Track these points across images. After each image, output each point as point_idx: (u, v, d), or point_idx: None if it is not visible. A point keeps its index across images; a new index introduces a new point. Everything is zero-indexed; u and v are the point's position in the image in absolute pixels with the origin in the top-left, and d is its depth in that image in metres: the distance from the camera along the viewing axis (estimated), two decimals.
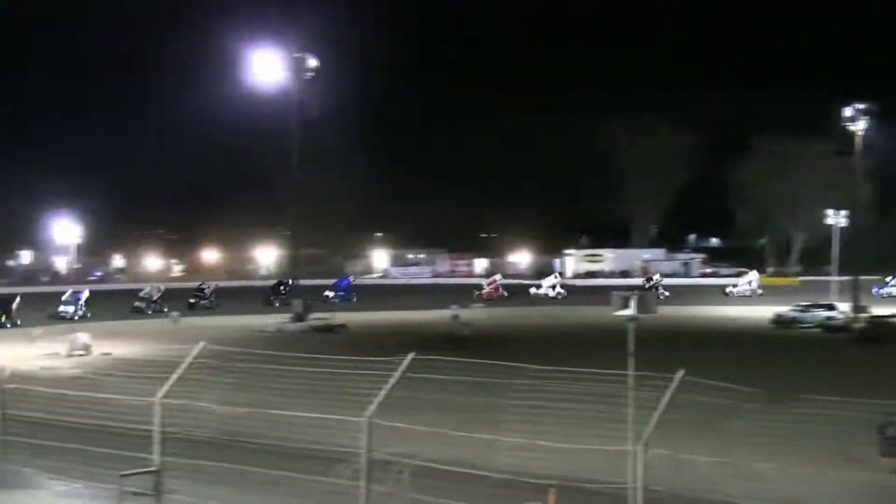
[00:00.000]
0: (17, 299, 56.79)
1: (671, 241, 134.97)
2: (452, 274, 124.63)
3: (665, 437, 14.11)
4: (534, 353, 29.59)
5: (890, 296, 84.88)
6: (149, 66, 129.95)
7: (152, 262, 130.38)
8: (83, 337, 43.41)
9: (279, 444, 17.90)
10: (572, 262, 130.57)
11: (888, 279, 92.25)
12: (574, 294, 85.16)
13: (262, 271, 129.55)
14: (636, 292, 15.81)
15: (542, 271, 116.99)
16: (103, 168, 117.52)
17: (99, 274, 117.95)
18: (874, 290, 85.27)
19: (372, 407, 15.52)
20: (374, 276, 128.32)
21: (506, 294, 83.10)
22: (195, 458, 17.58)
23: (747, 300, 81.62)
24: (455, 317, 56.33)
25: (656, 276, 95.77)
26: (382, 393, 15.64)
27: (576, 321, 60.64)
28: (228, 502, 16.99)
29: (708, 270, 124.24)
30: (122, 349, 42.56)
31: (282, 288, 76.96)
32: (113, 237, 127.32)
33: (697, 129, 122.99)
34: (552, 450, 14.81)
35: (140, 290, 74.27)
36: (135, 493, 17.52)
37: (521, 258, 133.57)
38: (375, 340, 45.77)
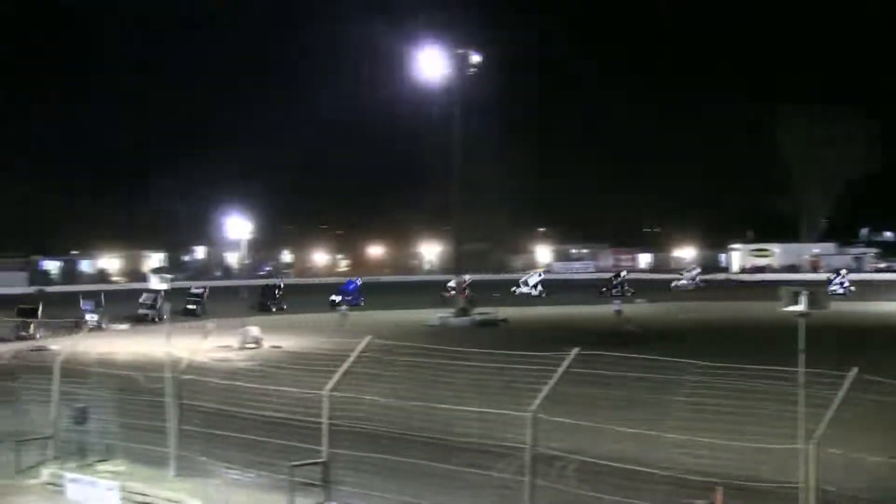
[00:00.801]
0: (40, 305, 55.97)
1: (842, 234, 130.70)
2: (616, 269, 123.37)
3: (838, 437, 13.75)
4: (699, 348, 29.14)
5: (835, 294, 72.72)
6: (316, 64, 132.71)
7: (319, 257, 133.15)
8: (254, 330, 44.54)
9: (443, 438, 18.05)
10: (738, 256, 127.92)
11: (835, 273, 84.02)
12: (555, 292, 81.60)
13: (426, 266, 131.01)
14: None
15: (708, 265, 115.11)
16: (274, 164, 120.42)
17: (268, 269, 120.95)
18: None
19: (536, 401, 15.54)
20: (538, 271, 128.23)
21: (475, 297, 70.25)
22: (362, 450, 17.91)
23: None
24: (618, 312, 56.00)
25: (623, 273, 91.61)
26: (547, 388, 15.64)
27: (744, 316, 59.32)
28: (394, 494, 17.21)
29: (881, 265, 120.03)
30: (290, 342, 43.55)
31: (276, 291, 71.80)
32: (282, 233, 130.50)
33: (871, 117, 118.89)
34: (719, 447, 14.58)
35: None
36: (304, 484, 17.96)
37: (686, 252, 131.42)
38: (539, 335, 45.71)
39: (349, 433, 18.39)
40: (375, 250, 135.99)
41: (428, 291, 77.23)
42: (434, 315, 58.65)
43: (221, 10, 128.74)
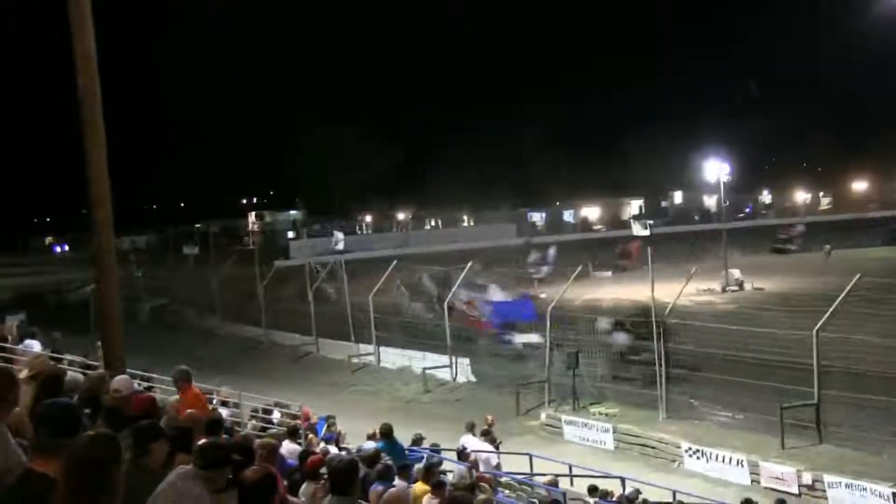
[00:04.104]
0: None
1: None
2: None
3: None
4: None
5: None
6: None
7: (799, 195, 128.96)
8: (736, 273, 44.15)
9: None
10: None
11: None
12: None
13: None
14: None
15: None
16: (750, 102, 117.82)
17: (748, 210, 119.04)
18: None
19: None
20: None
21: None
22: (852, 391, 17.43)
23: None
24: None
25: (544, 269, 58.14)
26: None
27: None
28: (889, 436, 16.62)
29: None
30: (771, 284, 42.79)
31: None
32: (761, 172, 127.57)
33: None
34: None
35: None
36: (795, 425, 17.77)
37: None
38: None
39: (839, 374, 17.97)
40: (860, 185, 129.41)
41: None
42: None
43: None
